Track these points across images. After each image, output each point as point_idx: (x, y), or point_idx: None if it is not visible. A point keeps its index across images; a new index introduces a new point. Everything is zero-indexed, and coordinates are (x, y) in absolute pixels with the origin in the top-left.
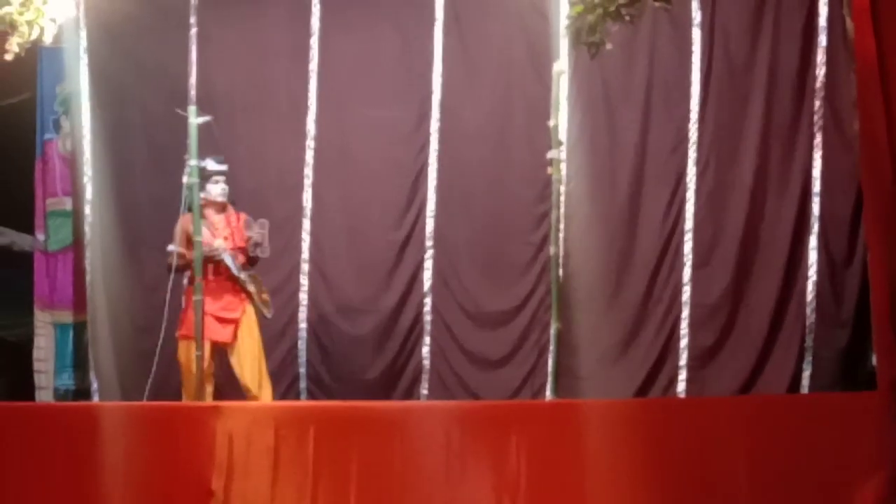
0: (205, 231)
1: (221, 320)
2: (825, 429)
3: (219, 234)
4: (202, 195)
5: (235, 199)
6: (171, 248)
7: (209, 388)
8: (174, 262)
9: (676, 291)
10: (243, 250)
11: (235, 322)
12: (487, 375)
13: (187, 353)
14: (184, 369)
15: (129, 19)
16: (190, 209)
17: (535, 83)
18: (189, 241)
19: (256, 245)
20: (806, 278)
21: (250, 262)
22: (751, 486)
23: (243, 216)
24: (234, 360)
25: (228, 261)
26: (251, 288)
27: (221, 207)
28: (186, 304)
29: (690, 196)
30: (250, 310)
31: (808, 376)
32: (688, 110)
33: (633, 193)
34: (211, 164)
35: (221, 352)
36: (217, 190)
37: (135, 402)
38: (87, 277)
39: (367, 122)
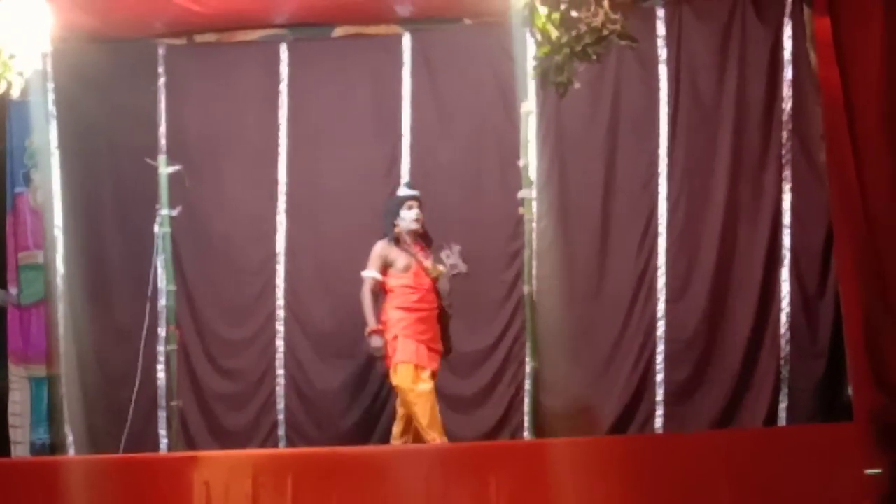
0: (408, 259)
1: (431, 350)
2: (804, 461)
3: (427, 262)
4: (395, 222)
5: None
6: (366, 273)
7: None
8: (366, 286)
9: (651, 327)
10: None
11: (440, 354)
12: (464, 416)
13: (414, 379)
14: (410, 396)
15: (96, 71)
16: (385, 235)
17: (504, 123)
18: (386, 268)
19: (454, 268)
20: (779, 310)
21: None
22: None
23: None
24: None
25: (445, 288)
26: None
27: (416, 234)
28: (389, 330)
29: (662, 231)
30: None
31: (784, 408)
32: (657, 146)
33: (605, 230)
34: (403, 191)
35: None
36: (411, 215)
37: (111, 455)
38: (61, 330)
39: (339, 167)
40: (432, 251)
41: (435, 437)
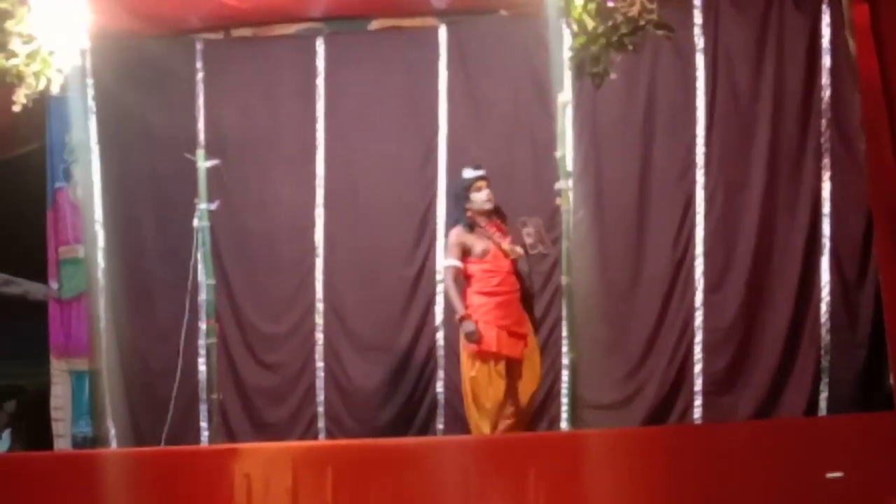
0: (485, 243)
1: (514, 335)
2: (844, 451)
3: (505, 243)
4: (466, 206)
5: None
6: (447, 263)
7: (509, 409)
8: (448, 276)
9: (689, 317)
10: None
11: (525, 337)
12: None
13: (486, 371)
14: (480, 390)
15: (134, 66)
16: (457, 222)
17: (540, 115)
18: (465, 254)
19: (534, 246)
20: (819, 300)
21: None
22: None
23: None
24: (520, 379)
25: (524, 269)
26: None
27: (489, 214)
28: (473, 318)
29: (700, 221)
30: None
31: (825, 399)
32: (694, 136)
33: (642, 220)
34: (468, 173)
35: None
36: (482, 197)
37: (153, 447)
38: (102, 324)
39: (376, 160)
40: (510, 229)
41: (479, 424)
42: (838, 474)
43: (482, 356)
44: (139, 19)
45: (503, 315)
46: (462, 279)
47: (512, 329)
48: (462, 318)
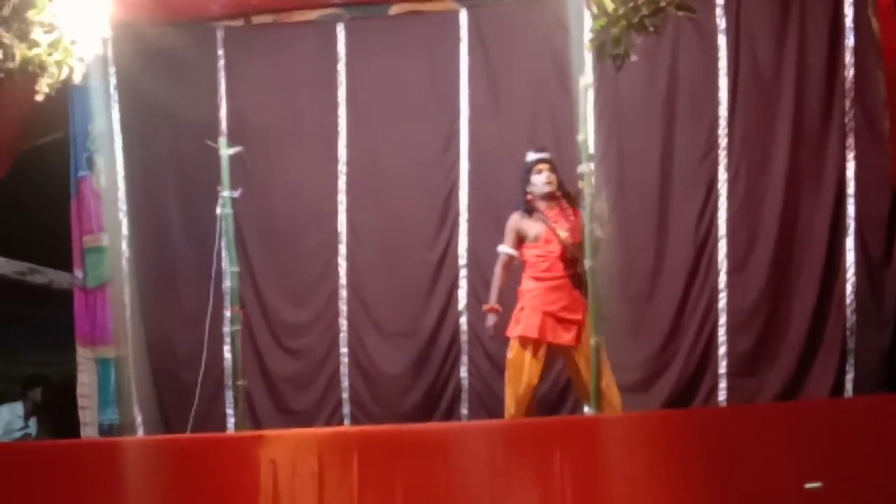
0: (539, 227)
1: (563, 321)
2: (871, 431)
3: (560, 227)
4: (527, 189)
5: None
6: (499, 248)
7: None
8: (497, 263)
9: (713, 298)
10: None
11: (578, 324)
12: None
13: (522, 356)
14: (513, 372)
15: (156, 55)
16: (519, 211)
17: (561, 97)
18: (520, 241)
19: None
20: (844, 280)
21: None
22: (798, 492)
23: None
24: (580, 364)
25: (578, 254)
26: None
27: (551, 197)
28: (520, 301)
29: (723, 202)
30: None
31: (850, 379)
32: (716, 117)
33: (664, 202)
34: (530, 156)
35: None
36: (541, 179)
37: (179, 435)
38: (127, 312)
39: (397, 145)
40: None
41: (509, 406)
42: (816, 484)
43: (522, 341)
44: (160, 7)
45: (552, 300)
46: (516, 266)
47: (560, 315)
48: (486, 310)
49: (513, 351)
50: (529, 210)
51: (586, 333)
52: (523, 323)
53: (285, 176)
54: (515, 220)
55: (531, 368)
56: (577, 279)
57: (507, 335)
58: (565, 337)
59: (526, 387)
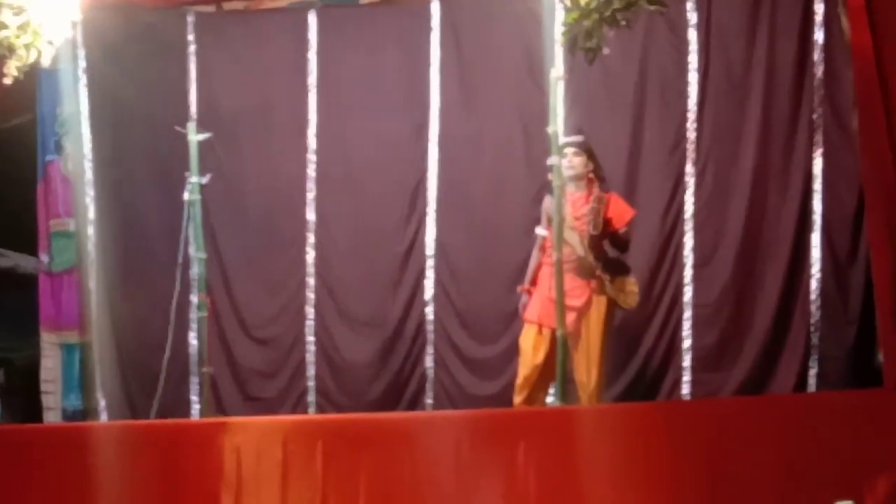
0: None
1: (563, 307)
2: (833, 427)
3: (575, 213)
4: None
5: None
6: (538, 230)
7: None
8: (536, 244)
9: (678, 292)
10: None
11: (577, 310)
12: (490, 384)
13: (528, 338)
14: (522, 354)
15: (126, 39)
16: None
17: (533, 90)
18: (550, 223)
19: (588, 222)
20: (809, 277)
21: (617, 246)
22: (760, 486)
23: (599, 195)
24: (574, 352)
25: (574, 241)
26: (603, 275)
27: (578, 180)
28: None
29: (690, 196)
30: (600, 300)
31: (814, 375)
32: (685, 111)
33: (632, 194)
34: (561, 139)
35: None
36: (564, 164)
37: (143, 421)
38: (93, 297)
39: (367, 135)
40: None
41: (516, 400)
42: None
43: (528, 324)
44: None
45: (552, 286)
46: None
47: (564, 301)
48: (520, 290)
49: (522, 333)
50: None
51: (587, 322)
52: (530, 307)
53: (255, 163)
54: (545, 202)
55: (539, 352)
56: (581, 266)
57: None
58: (566, 322)
59: (530, 369)
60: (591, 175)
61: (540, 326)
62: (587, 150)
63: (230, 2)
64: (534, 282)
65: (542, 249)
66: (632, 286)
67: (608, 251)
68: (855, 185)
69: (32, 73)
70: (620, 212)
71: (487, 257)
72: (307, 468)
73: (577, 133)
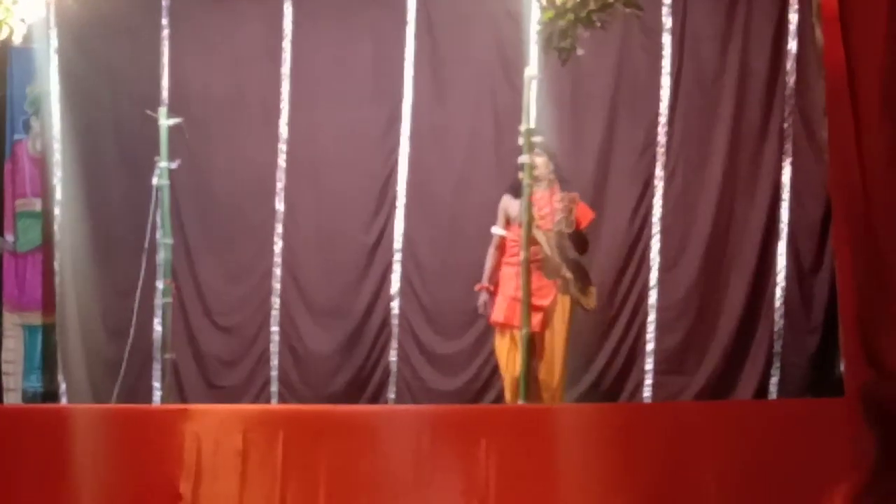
0: (517, 211)
1: (530, 307)
2: (793, 435)
3: (538, 212)
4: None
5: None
6: (493, 229)
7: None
8: (491, 244)
9: (643, 294)
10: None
11: (543, 309)
12: (452, 380)
13: (501, 342)
14: (499, 360)
15: (99, 20)
16: (509, 192)
17: (506, 88)
18: (508, 223)
19: (559, 223)
20: (774, 284)
21: (578, 248)
22: (719, 491)
23: (566, 194)
24: (540, 351)
25: (541, 239)
26: (567, 275)
27: (548, 183)
28: (496, 289)
29: (658, 199)
30: (565, 299)
31: (775, 382)
32: (657, 114)
33: (601, 196)
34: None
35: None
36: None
37: (103, 405)
38: (57, 279)
39: (339, 125)
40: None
41: (508, 397)
42: None
43: (496, 326)
44: None
45: (519, 285)
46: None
47: (530, 300)
48: (478, 289)
49: (495, 338)
50: (517, 192)
51: (551, 321)
52: (495, 308)
53: (225, 150)
54: (503, 201)
55: (511, 355)
56: (547, 265)
57: (490, 322)
58: (532, 323)
59: (510, 374)
60: (552, 175)
61: (511, 334)
62: (548, 150)
63: None
64: (493, 281)
65: (500, 249)
66: (591, 288)
67: (568, 251)
68: (821, 194)
69: (3, 51)
70: (584, 213)
71: (454, 253)
72: (267, 458)
73: (538, 134)
